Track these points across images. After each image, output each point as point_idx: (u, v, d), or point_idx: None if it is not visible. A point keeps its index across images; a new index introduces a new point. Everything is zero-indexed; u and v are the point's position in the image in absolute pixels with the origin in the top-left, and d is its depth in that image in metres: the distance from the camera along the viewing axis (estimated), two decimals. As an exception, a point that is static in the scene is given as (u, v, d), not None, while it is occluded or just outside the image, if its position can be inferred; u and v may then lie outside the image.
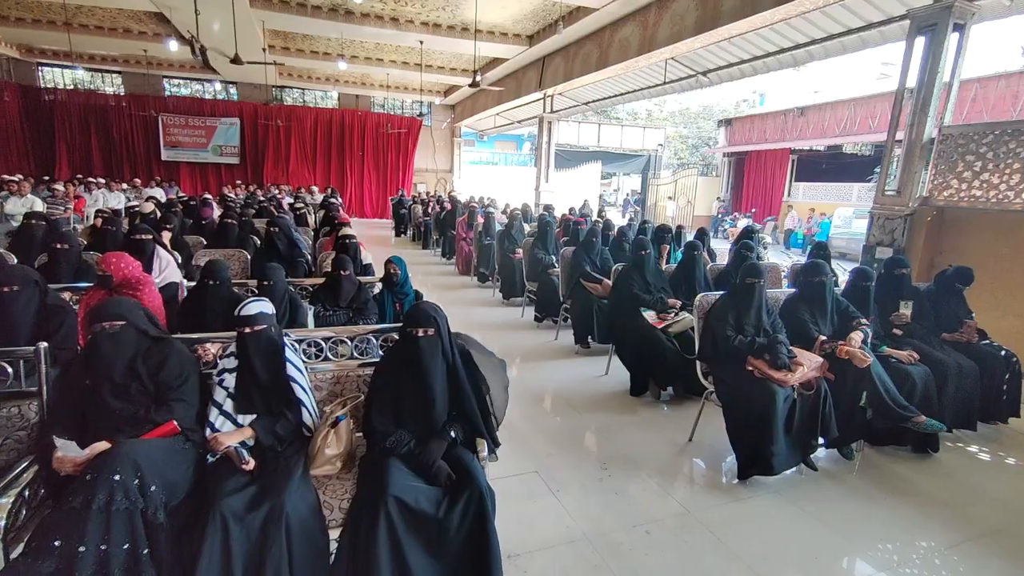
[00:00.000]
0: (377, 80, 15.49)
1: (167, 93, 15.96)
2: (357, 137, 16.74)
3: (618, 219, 17.58)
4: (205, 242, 4.92)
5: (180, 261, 4.07)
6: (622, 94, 12.12)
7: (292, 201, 9.99)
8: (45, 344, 1.98)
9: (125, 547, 1.56)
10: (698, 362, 3.23)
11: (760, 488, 2.79)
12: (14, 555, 1.59)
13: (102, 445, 1.71)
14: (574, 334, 4.91)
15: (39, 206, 8.16)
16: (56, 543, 1.48)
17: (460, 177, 18.69)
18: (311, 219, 7.47)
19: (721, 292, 3.28)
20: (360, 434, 2.18)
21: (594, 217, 8.97)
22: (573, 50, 9.82)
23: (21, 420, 1.92)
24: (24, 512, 1.64)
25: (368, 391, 2.15)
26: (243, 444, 1.94)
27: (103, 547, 1.53)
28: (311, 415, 2.14)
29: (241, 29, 9.12)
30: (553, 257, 5.69)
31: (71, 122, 14.49)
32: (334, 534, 1.87)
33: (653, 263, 4.21)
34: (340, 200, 11.22)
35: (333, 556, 1.84)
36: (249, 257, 4.17)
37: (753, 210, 17.67)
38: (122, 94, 15.25)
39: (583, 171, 19.44)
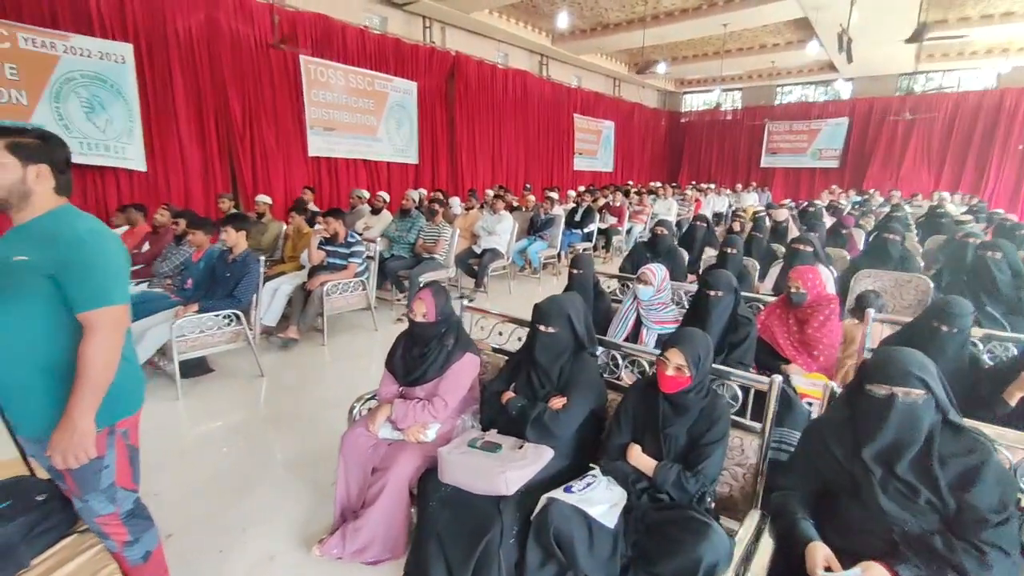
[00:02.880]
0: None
1: (776, 102, 16.39)
2: (1019, 124, 12.07)
3: None
4: (848, 256, 4.21)
5: (835, 276, 3.49)
6: None
7: (920, 213, 7.96)
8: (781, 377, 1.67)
9: None
10: None
11: None
12: None
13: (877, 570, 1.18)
14: None
15: (675, 207, 9.86)
16: None
17: None
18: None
19: None
20: None
21: None
22: None
23: (741, 455, 1.69)
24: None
25: None
26: None
27: None
28: None
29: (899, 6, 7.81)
30: None
31: (695, 137, 17.31)
32: None
33: None
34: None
35: None
36: (932, 285, 3.10)
37: None
38: (738, 108, 16.78)
39: None
